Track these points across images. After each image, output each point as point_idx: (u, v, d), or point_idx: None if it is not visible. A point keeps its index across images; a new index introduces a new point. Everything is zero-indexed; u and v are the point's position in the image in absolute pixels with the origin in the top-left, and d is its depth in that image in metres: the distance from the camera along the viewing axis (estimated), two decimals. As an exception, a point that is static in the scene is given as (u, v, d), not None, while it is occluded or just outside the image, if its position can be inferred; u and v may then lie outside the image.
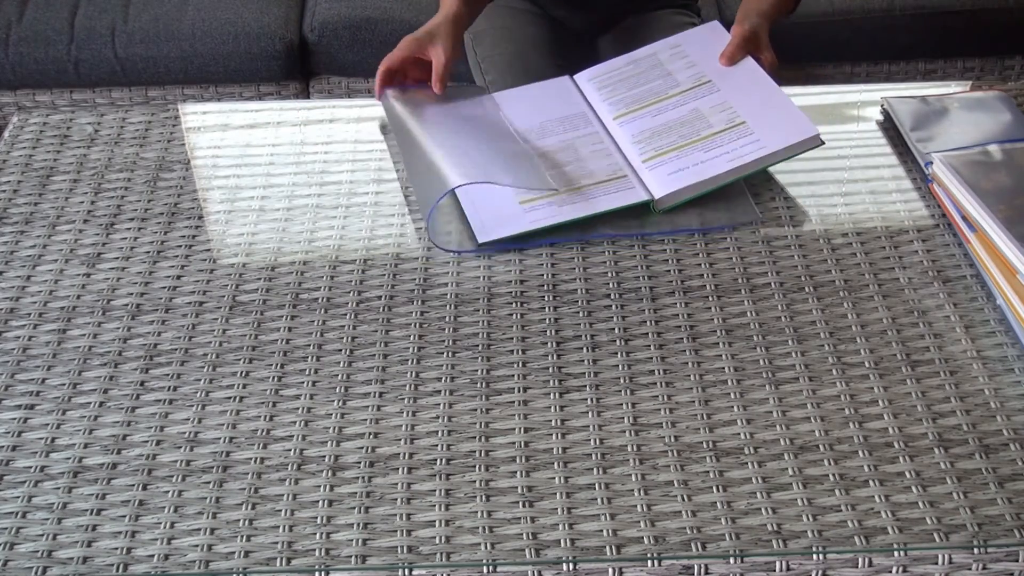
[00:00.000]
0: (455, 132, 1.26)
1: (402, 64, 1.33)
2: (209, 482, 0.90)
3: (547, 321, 1.05)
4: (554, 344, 1.02)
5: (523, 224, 1.14)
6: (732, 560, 0.84)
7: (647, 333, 1.03)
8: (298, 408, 0.96)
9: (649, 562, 0.83)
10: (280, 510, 0.87)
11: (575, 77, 1.36)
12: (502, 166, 1.20)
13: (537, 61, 1.51)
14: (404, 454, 0.92)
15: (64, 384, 0.99)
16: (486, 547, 0.84)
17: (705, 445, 0.92)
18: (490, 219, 1.15)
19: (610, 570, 0.83)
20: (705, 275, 1.10)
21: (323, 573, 0.83)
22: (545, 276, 1.10)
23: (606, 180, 1.19)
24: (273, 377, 0.99)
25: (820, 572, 0.84)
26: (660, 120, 1.26)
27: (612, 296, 1.08)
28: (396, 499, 0.88)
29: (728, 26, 1.37)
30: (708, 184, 1.18)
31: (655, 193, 1.17)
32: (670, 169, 1.19)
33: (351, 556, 0.84)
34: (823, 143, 1.22)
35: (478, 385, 0.98)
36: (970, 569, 0.84)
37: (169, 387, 0.98)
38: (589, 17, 1.69)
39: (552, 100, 1.33)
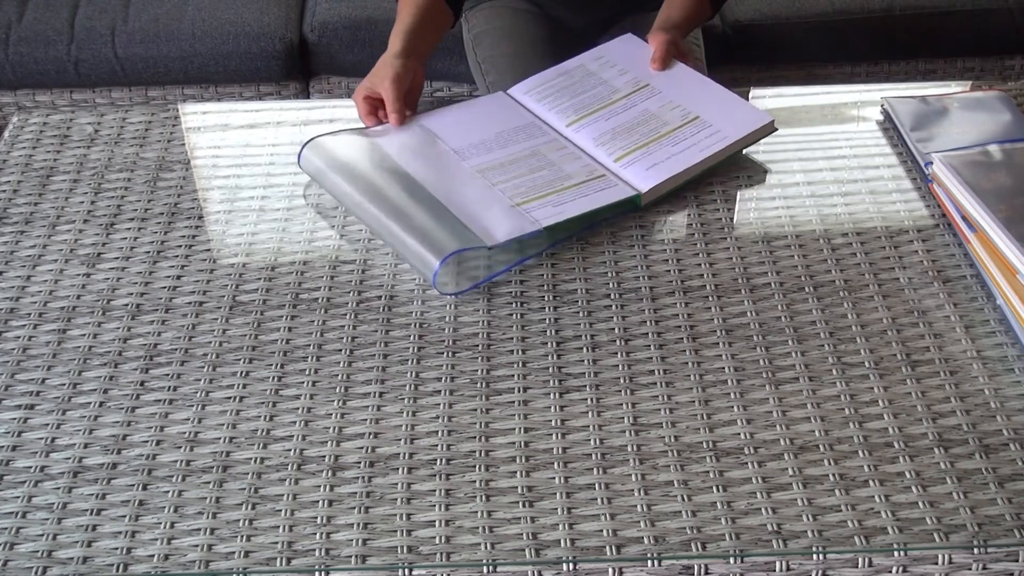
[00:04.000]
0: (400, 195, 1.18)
1: (369, 110, 1.30)
2: (209, 482, 0.90)
3: (547, 321, 1.05)
4: (554, 344, 1.02)
5: (528, 224, 1.12)
6: (732, 560, 0.84)
7: (647, 333, 1.03)
8: (298, 408, 0.96)
9: (649, 562, 0.83)
10: (280, 510, 0.87)
11: (510, 92, 1.35)
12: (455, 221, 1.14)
13: (537, 61, 1.51)
14: (404, 454, 0.92)
15: (64, 384, 0.99)
16: (486, 547, 0.84)
17: (705, 445, 0.92)
18: (493, 223, 1.12)
19: (610, 570, 0.83)
20: (705, 275, 1.10)
21: (323, 573, 0.83)
22: (545, 276, 1.10)
23: (587, 180, 1.19)
24: (273, 377, 0.99)
25: (820, 572, 0.84)
26: (615, 122, 1.27)
27: (612, 296, 1.08)
28: (396, 499, 0.88)
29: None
30: (686, 175, 1.20)
31: (640, 188, 1.18)
32: (646, 164, 1.20)
33: (351, 556, 0.84)
34: (776, 129, 1.27)
35: (478, 385, 0.98)
36: (970, 569, 0.84)
37: (169, 387, 0.98)
38: (589, 17, 1.70)
39: (496, 115, 1.31)
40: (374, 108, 1.30)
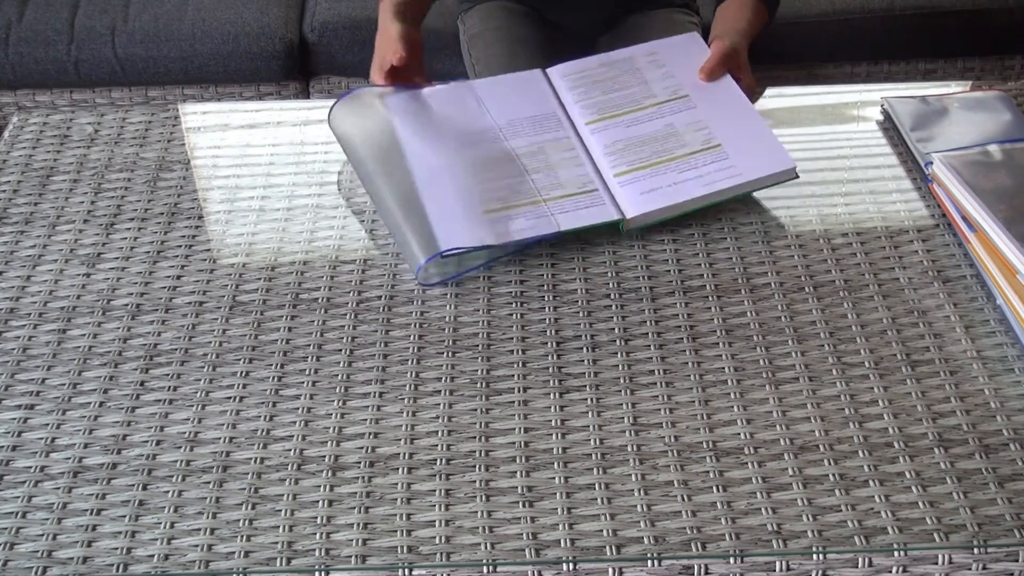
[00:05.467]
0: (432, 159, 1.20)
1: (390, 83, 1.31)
2: (209, 482, 0.90)
3: (547, 321, 1.05)
4: (554, 344, 1.02)
5: (486, 236, 1.09)
6: (732, 560, 0.84)
7: (647, 333, 1.03)
8: (298, 408, 0.96)
9: (649, 562, 0.83)
10: (280, 510, 0.87)
11: (548, 72, 1.31)
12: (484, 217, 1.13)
13: (532, 63, 1.51)
14: (404, 454, 0.92)
15: (64, 384, 0.99)
16: (486, 547, 0.84)
17: (705, 445, 0.92)
18: (453, 227, 1.10)
19: (610, 570, 0.83)
20: (705, 275, 1.10)
21: (323, 573, 0.83)
22: (545, 276, 1.10)
23: (576, 193, 1.15)
24: (273, 377, 0.99)
25: (820, 572, 0.84)
26: (634, 132, 1.22)
27: (612, 296, 1.08)
28: (396, 499, 0.88)
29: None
30: (680, 208, 1.15)
31: (627, 212, 1.14)
32: (643, 188, 1.15)
33: (351, 556, 0.84)
34: (798, 176, 1.20)
35: (478, 385, 0.98)
36: (970, 569, 0.84)
37: (169, 387, 0.98)
38: (586, 18, 1.69)
39: (523, 95, 1.28)
40: (393, 79, 1.31)
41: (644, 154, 1.19)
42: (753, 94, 1.32)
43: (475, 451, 0.92)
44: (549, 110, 1.26)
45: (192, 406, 0.96)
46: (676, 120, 1.23)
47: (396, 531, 0.86)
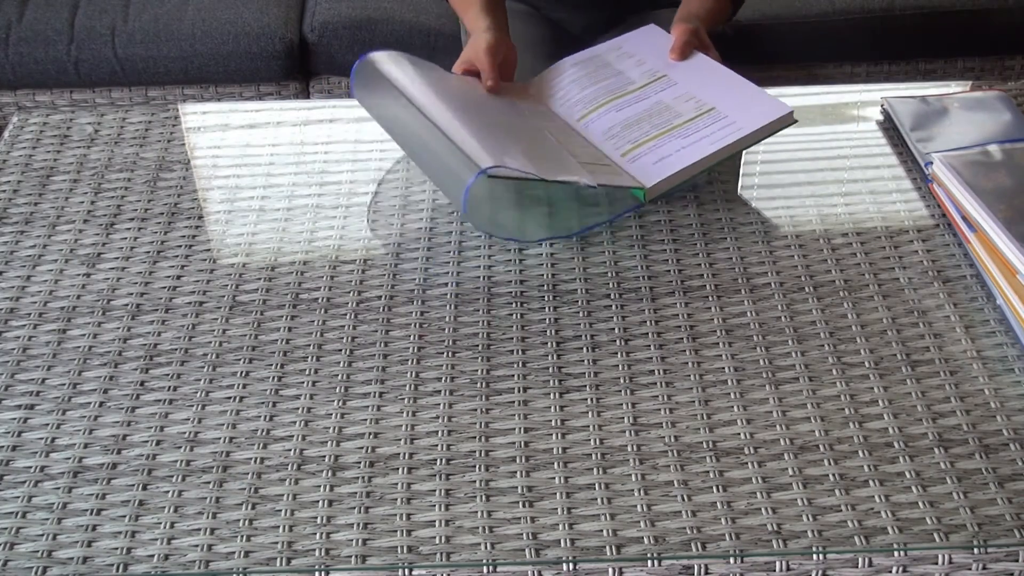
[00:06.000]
0: (467, 106, 1.21)
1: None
2: (209, 482, 0.90)
3: (547, 321, 1.05)
4: (554, 344, 1.02)
5: (531, 167, 1.08)
6: (732, 560, 0.84)
7: (647, 333, 1.03)
8: (298, 408, 0.96)
9: (649, 562, 0.83)
10: (280, 510, 0.87)
11: (525, 85, 1.33)
12: (533, 153, 1.14)
13: (535, 62, 1.51)
14: (404, 454, 0.92)
15: (64, 384, 0.99)
16: (486, 547, 0.84)
17: (705, 445, 0.92)
18: (500, 150, 1.09)
19: (610, 570, 0.83)
20: (705, 275, 1.10)
21: (323, 573, 0.83)
22: (545, 276, 1.10)
23: (592, 163, 1.16)
24: (273, 377, 0.99)
25: (820, 572, 0.84)
26: (626, 114, 1.23)
27: (612, 296, 1.08)
28: (396, 499, 0.88)
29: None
30: (694, 168, 1.17)
31: (644, 182, 1.15)
32: (653, 159, 1.17)
33: (351, 556, 0.84)
34: (796, 120, 1.22)
35: (478, 385, 0.98)
36: (970, 569, 0.84)
37: (169, 387, 0.98)
38: (587, 17, 1.69)
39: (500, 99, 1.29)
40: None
41: (644, 129, 1.21)
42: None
43: (475, 451, 0.92)
44: (541, 108, 1.27)
45: (192, 406, 0.96)
46: (663, 96, 1.25)
47: (396, 531, 0.86)
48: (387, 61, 1.26)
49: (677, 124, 1.21)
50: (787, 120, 1.21)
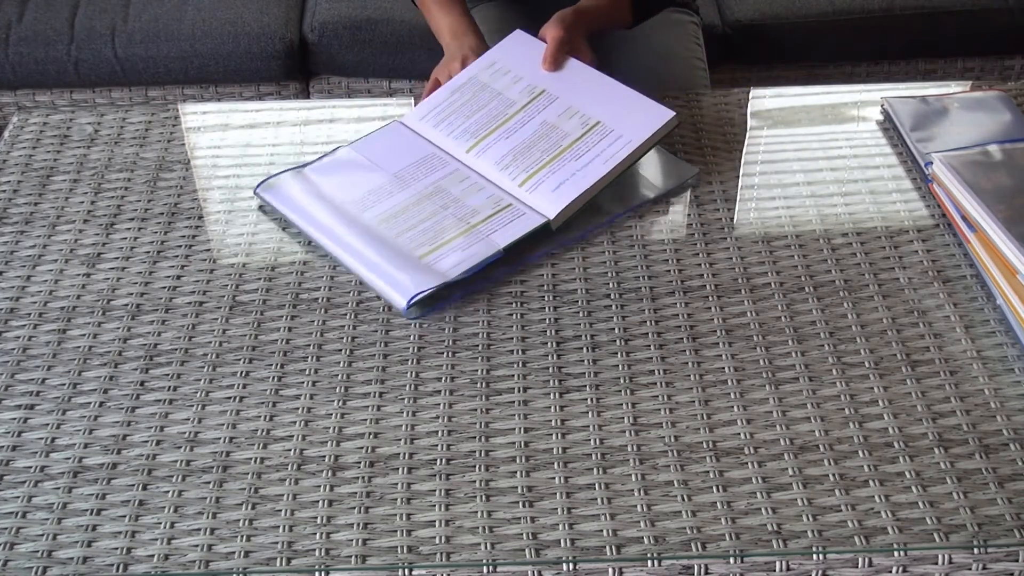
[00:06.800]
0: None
1: (432, 89, 1.33)
2: (209, 482, 0.90)
3: (547, 321, 1.05)
4: (554, 344, 1.02)
5: (437, 277, 1.07)
6: (732, 560, 0.84)
7: (647, 333, 1.03)
8: (298, 408, 0.96)
9: (649, 562, 0.83)
10: (280, 510, 0.87)
11: (403, 121, 1.29)
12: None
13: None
14: (404, 454, 0.92)
15: (64, 384, 0.99)
16: (486, 547, 0.84)
17: (705, 445, 0.92)
18: (405, 279, 1.07)
19: (610, 570, 0.83)
20: (705, 275, 1.10)
21: (323, 573, 0.83)
22: (545, 276, 1.10)
23: (494, 213, 1.14)
24: (273, 377, 0.99)
25: (820, 572, 0.84)
26: (514, 141, 1.21)
27: (612, 296, 1.08)
28: (396, 499, 0.88)
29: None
30: (594, 189, 1.16)
31: (548, 213, 1.14)
32: (551, 185, 1.15)
33: (351, 556, 0.84)
34: (679, 123, 1.23)
35: (478, 385, 0.98)
36: (970, 569, 0.84)
37: (169, 387, 0.98)
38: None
39: (394, 150, 1.25)
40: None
41: (535, 156, 1.20)
42: (594, 63, 1.33)
43: (475, 451, 0.92)
44: (427, 152, 1.24)
45: (192, 406, 0.96)
46: (547, 116, 1.24)
47: (396, 531, 0.86)
48: (279, 193, 1.21)
49: (567, 145, 1.20)
50: (671, 123, 1.21)
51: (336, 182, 1.21)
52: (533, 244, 1.13)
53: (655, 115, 1.22)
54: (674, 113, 1.22)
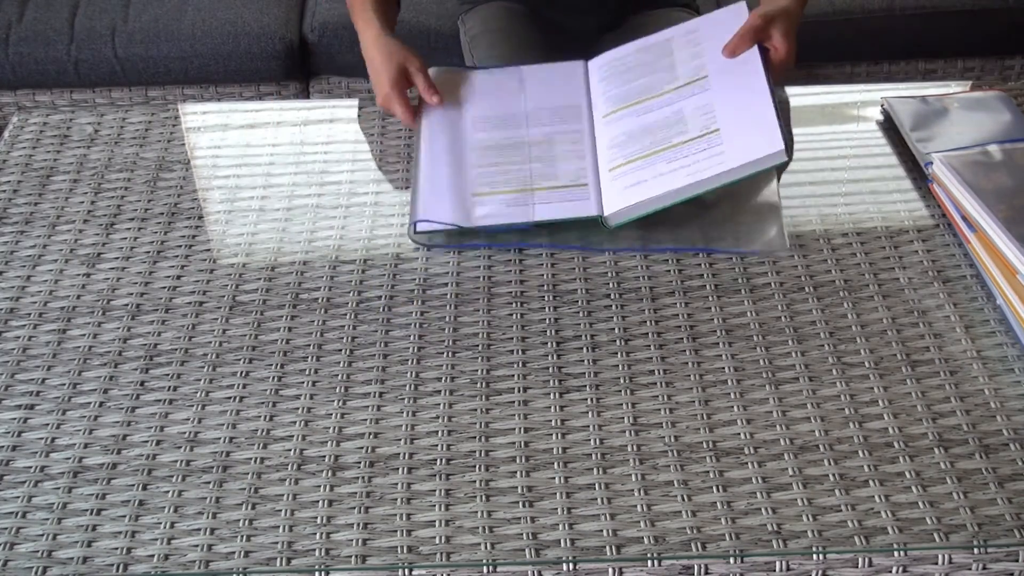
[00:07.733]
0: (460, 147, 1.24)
1: (408, 110, 1.29)
2: (209, 482, 0.90)
3: (547, 321, 1.05)
4: (554, 344, 1.02)
5: (463, 218, 1.14)
6: (732, 560, 0.84)
7: (647, 333, 1.03)
8: (298, 408, 0.96)
9: (649, 562, 0.83)
10: (280, 510, 0.87)
11: (589, 63, 1.33)
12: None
13: (534, 64, 1.51)
14: (404, 454, 0.92)
15: (64, 384, 0.99)
16: (486, 547, 0.84)
17: (705, 445, 0.92)
18: (435, 203, 1.16)
19: (610, 570, 0.83)
20: (705, 275, 1.10)
21: (323, 573, 0.83)
22: (545, 276, 1.10)
23: (566, 186, 1.17)
24: (273, 377, 0.99)
25: (820, 572, 0.84)
26: (643, 122, 1.22)
27: (612, 296, 1.08)
28: (396, 499, 0.88)
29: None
30: (662, 200, 1.13)
31: (605, 208, 1.14)
32: (630, 181, 1.15)
33: (351, 556, 0.84)
34: (788, 160, 1.17)
35: (478, 385, 0.98)
36: (970, 569, 0.84)
37: (169, 387, 0.98)
38: (587, 19, 1.69)
39: (560, 84, 1.31)
40: (408, 104, 1.29)
41: (643, 144, 1.19)
42: (786, 65, 1.29)
43: (475, 451, 0.92)
44: (575, 101, 1.28)
45: (192, 406, 0.96)
46: (686, 105, 1.22)
47: (396, 531, 0.86)
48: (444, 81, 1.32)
49: (674, 143, 1.17)
50: (777, 158, 1.13)
51: (487, 92, 1.30)
52: (585, 233, 1.14)
53: (764, 143, 1.14)
54: (781, 147, 1.13)
